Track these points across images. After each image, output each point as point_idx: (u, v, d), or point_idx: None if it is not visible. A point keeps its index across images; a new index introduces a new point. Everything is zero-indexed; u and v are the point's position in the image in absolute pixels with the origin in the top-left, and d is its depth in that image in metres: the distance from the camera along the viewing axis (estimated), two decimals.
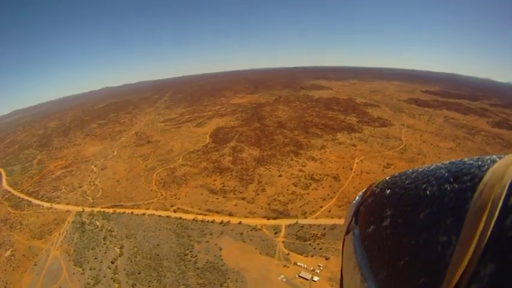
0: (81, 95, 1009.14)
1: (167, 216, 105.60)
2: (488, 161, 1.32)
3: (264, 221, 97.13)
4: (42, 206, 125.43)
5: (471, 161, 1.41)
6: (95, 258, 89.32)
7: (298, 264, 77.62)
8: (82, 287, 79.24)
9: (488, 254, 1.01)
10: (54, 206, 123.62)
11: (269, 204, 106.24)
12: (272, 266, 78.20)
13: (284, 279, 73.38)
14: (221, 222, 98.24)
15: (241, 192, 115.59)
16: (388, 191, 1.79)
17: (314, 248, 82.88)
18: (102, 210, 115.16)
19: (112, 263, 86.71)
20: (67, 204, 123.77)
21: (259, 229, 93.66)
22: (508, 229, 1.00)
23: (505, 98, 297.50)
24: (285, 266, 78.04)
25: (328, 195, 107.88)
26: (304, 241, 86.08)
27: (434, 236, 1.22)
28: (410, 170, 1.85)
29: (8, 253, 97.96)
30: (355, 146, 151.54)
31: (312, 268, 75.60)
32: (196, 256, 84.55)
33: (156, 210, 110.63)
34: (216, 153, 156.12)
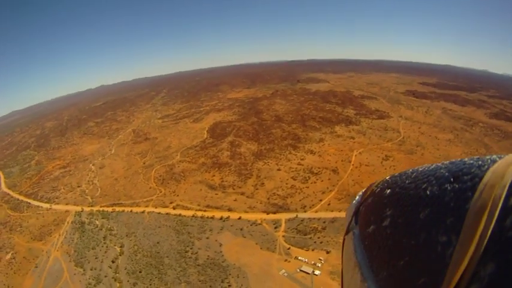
0: (77, 93, 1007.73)
1: (166, 213, 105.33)
2: (489, 160, 1.32)
3: (264, 216, 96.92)
4: (42, 207, 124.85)
5: (471, 161, 1.41)
6: (96, 258, 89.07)
7: (299, 258, 77.50)
8: (83, 287, 79.10)
9: (488, 254, 1.01)
10: (54, 206, 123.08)
11: (268, 198, 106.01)
12: (273, 261, 78.09)
13: (285, 274, 73.26)
14: (221, 218, 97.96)
15: (240, 187, 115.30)
16: (388, 191, 1.79)
17: (315, 242, 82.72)
18: (101, 209, 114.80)
19: (113, 262, 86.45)
20: (66, 204, 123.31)
21: (259, 224, 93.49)
22: (508, 229, 1.00)
23: (502, 89, 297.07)
24: (286, 260, 77.86)
25: (328, 188, 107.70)
26: (305, 235, 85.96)
27: (434, 236, 1.22)
28: (411, 170, 1.83)
29: (8, 256, 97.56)
30: (353, 138, 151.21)
31: (313, 262, 75.48)
32: (196, 253, 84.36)
33: (156, 207, 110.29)
34: (214, 148, 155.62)
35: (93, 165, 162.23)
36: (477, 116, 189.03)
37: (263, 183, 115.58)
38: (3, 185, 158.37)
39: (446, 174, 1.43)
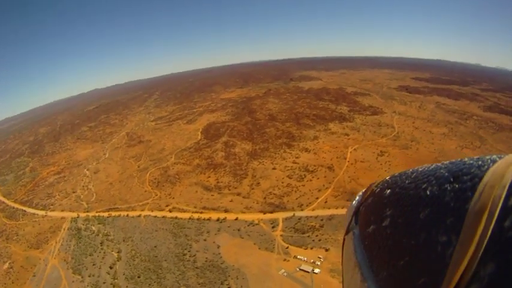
0: (70, 98, 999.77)
1: (163, 217, 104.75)
2: (489, 161, 1.32)
3: (261, 216, 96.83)
4: (37, 214, 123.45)
5: (471, 161, 1.41)
6: (93, 265, 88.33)
7: (298, 257, 77.50)
8: None
9: (488, 254, 1.01)
10: (49, 213, 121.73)
11: (265, 198, 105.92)
12: (272, 261, 78.03)
13: (285, 274, 73.24)
14: (218, 219, 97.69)
15: (236, 188, 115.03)
16: (388, 191, 1.79)
17: (313, 240, 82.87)
18: (97, 214, 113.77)
19: (111, 268, 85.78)
20: (62, 210, 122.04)
21: (257, 224, 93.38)
22: (508, 229, 1.00)
23: (495, 82, 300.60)
24: (284, 259, 77.86)
25: (324, 185, 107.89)
26: (303, 233, 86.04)
27: (434, 236, 1.22)
28: (411, 170, 1.83)
29: (6, 266, 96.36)
30: (347, 135, 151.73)
31: (312, 260, 75.61)
32: (195, 255, 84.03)
33: (152, 211, 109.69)
34: (208, 149, 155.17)
35: (87, 170, 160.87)
36: (471, 110, 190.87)
37: (259, 183, 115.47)
38: None
39: (446, 174, 1.43)
